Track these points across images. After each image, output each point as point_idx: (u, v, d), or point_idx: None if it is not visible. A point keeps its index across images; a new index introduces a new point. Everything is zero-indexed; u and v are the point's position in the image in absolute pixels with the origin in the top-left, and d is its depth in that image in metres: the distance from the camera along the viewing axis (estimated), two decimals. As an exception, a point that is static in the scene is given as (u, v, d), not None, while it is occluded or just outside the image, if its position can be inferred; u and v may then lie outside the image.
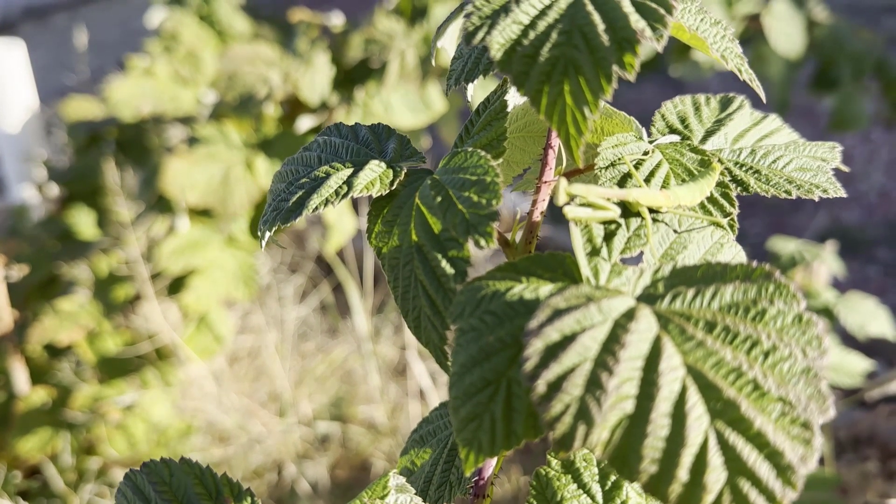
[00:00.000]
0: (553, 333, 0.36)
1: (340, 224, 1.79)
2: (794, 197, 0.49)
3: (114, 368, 1.79)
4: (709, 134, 0.53)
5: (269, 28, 2.55)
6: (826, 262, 1.36)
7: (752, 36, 2.16)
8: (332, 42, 1.76)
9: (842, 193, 0.51)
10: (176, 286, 1.77)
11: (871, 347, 2.06)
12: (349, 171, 0.50)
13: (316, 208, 0.48)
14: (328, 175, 0.49)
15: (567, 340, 0.35)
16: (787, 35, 2.12)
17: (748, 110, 0.56)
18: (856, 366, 1.36)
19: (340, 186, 0.48)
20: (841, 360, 1.37)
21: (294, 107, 1.78)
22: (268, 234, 0.49)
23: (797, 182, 0.50)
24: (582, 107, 0.38)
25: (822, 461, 1.55)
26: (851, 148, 4.05)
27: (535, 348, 0.35)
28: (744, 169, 0.51)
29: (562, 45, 0.39)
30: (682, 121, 0.54)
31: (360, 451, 1.87)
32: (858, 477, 1.83)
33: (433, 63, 0.58)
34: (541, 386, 0.34)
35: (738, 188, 0.50)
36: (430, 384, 1.85)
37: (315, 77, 1.68)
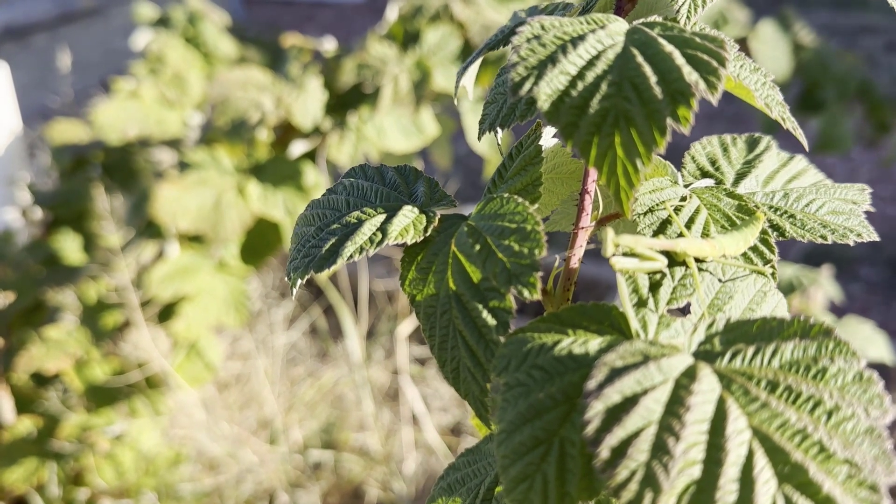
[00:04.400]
0: (614, 395, 0.35)
1: (333, 249, 1.77)
2: (829, 242, 0.49)
3: (102, 397, 1.76)
4: (740, 176, 0.53)
5: (255, 50, 2.54)
6: (823, 287, 1.36)
7: (739, 59, 2.18)
8: (325, 67, 1.76)
9: (875, 237, 0.51)
10: (166, 313, 1.74)
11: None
12: (382, 217, 0.49)
13: (350, 256, 0.46)
14: (360, 221, 0.48)
15: (629, 403, 0.34)
16: (773, 58, 2.14)
17: (775, 151, 0.56)
18: (853, 390, 1.36)
19: (374, 233, 0.47)
20: (838, 384, 1.37)
21: (286, 131, 1.77)
22: (299, 281, 0.48)
23: (831, 226, 0.50)
24: (634, 159, 0.37)
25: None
26: (832, 167, 4.10)
27: (595, 411, 0.34)
28: (779, 213, 0.50)
29: (612, 96, 0.38)
30: (713, 163, 0.54)
31: (353, 479, 1.84)
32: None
33: (456, 102, 0.57)
34: (605, 451, 0.33)
35: (775, 234, 0.49)
36: (423, 409, 1.83)
37: (308, 102, 1.67)
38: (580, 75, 0.39)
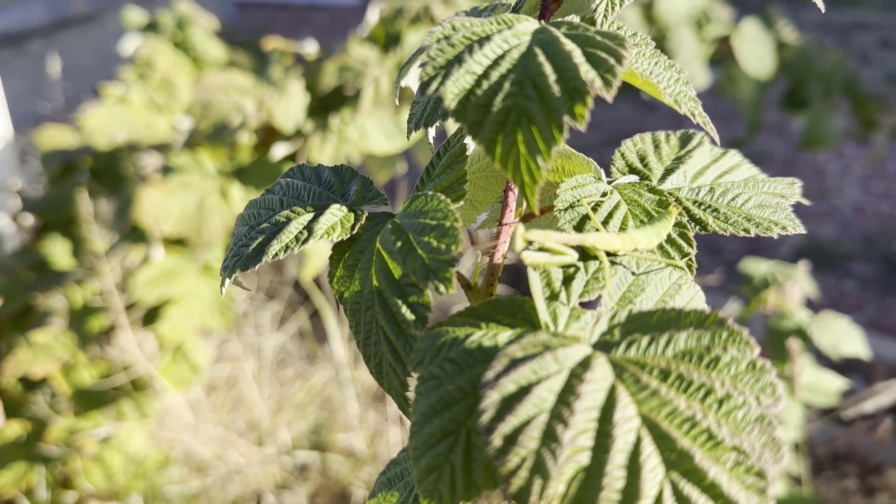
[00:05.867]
0: (509, 385, 0.36)
1: (317, 250, 1.78)
2: (752, 235, 0.50)
3: (89, 400, 1.77)
4: (668, 172, 0.54)
5: (244, 54, 2.55)
6: (799, 283, 1.37)
7: (722, 58, 2.19)
8: (307, 70, 1.77)
9: (801, 230, 0.51)
10: (151, 316, 1.75)
11: (846, 364, 2.08)
12: (310, 216, 0.50)
13: (276, 255, 0.47)
14: (289, 220, 0.49)
15: (523, 392, 0.35)
16: (756, 57, 2.15)
17: (707, 147, 0.57)
18: (831, 385, 1.37)
19: (301, 232, 0.48)
20: (816, 379, 1.38)
21: (269, 134, 1.78)
22: (227, 280, 0.49)
23: (756, 220, 0.51)
24: (535, 156, 0.38)
25: (799, 480, 1.55)
26: (825, 163, 4.10)
27: (491, 400, 0.35)
28: (702, 208, 0.51)
29: (514, 95, 0.39)
30: (642, 159, 0.54)
31: (340, 480, 1.85)
32: (838, 494, 1.84)
33: (397, 102, 0.58)
34: (497, 439, 0.34)
35: (697, 227, 0.50)
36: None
37: (289, 105, 1.68)
38: (485, 74, 0.40)
